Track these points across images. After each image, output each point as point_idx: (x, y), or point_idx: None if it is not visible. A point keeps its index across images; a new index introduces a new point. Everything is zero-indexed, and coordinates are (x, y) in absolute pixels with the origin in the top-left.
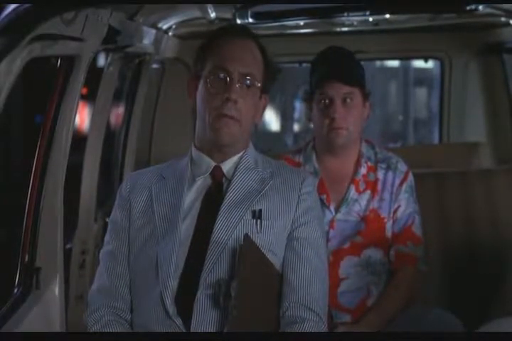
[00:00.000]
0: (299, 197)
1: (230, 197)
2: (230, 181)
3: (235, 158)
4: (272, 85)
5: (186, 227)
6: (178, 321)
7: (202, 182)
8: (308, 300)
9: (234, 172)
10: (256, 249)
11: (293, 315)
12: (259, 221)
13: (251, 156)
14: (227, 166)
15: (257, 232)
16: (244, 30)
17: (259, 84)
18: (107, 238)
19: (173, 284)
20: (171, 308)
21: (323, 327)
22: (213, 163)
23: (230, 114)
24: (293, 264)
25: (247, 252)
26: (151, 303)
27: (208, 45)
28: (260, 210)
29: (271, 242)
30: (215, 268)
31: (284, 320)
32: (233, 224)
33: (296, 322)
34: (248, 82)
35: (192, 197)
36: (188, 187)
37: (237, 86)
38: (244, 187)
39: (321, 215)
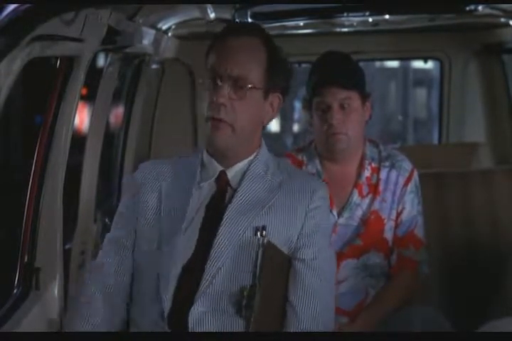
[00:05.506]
0: (306, 213)
1: (233, 207)
2: (235, 190)
3: (242, 164)
4: (286, 83)
5: (190, 236)
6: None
7: (207, 188)
8: (311, 327)
9: (241, 180)
10: (278, 255)
11: None
12: (261, 238)
13: (261, 161)
14: (232, 172)
15: (258, 248)
16: (248, 28)
17: (251, 86)
18: (115, 223)
19: (170, 298)
20: (167, 321)
21: None
22: (220, 168)
23: (218, 117)
24: (296, 289)
25: (268, 260)
26: (151, 312)
27: (211, 44)
28: (263, 227)
29: None
30: (213, 283)
31: None
32: (234, 240)
33: None
34: (240, 84)
35: (197, 203)
36: (195, 193)
37: (226, 89)
38: (250, 197)
39: (329, 231)
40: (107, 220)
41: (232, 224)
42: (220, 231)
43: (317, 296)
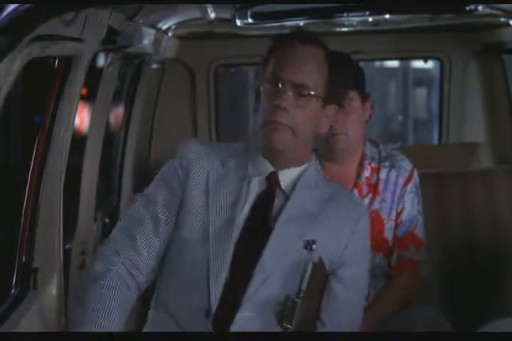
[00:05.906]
0: (352, 232)
1: (286, 214)
2: (287, 196)
3: (295, 170)
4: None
5: (230, 232)
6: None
7: (256, 185)
8: None
9: (293, 187)
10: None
11: None
12: (311, 252)
13: (313, 172)
14: (284, 176)
15: (307, 262)
16: (313, 37)
17: (314, 93)
18: (153, 195)
19: (218, 298)
20: (212, 320)
21: None
22: (271, 169)
23: (279, 121)
24: (329, 306)
25: (315, 275)
26: (194, 308)
27: (272, 49)
28: (314, 241)
29: None
30: (260, 290)
31: None
32: (284, 250)
33: None
34: (302, 91)
35: (244, 198)
36: (245, 186)
37: (289, 94)
38: (302, 206)
39: (368, 253)
40: (106, 220)
41: (284, 232)
42: (270, 238)
43: (348, 315)
